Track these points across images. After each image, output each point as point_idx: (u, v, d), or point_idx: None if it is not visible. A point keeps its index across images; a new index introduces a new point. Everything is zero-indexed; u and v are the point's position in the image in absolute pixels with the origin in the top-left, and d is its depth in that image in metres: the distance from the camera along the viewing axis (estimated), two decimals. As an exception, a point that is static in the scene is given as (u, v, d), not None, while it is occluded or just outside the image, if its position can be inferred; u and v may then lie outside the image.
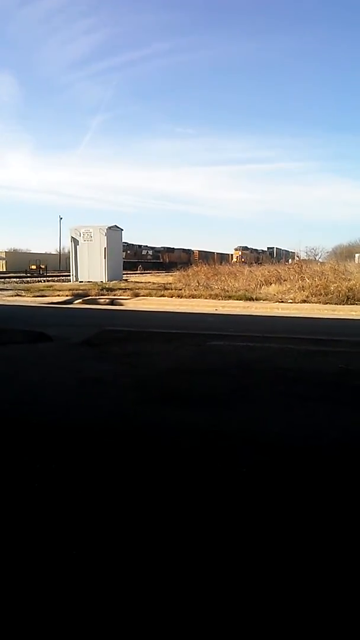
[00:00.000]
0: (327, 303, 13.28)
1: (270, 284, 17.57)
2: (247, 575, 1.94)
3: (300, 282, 16.23)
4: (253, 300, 14.15)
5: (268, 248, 71.69)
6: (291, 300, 13.97)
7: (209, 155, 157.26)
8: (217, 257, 55.38)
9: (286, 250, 72.20)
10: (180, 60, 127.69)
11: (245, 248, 65.58)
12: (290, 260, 59.56)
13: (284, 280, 17.50)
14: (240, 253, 63.00)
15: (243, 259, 54.31)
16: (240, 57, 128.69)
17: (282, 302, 13.81)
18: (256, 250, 67.97)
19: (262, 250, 69.11)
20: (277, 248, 71.91)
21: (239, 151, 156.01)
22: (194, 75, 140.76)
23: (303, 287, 15.52)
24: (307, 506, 2.48)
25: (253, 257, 59.42)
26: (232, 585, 1.88)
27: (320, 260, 38.36)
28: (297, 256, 22.46)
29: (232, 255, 65.26)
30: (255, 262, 39.91)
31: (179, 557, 2.04)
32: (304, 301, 13.79)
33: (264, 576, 1.93)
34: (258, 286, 17.30)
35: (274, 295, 15.05)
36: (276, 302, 13.85)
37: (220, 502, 2.51)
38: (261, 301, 14.00)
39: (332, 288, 14.77)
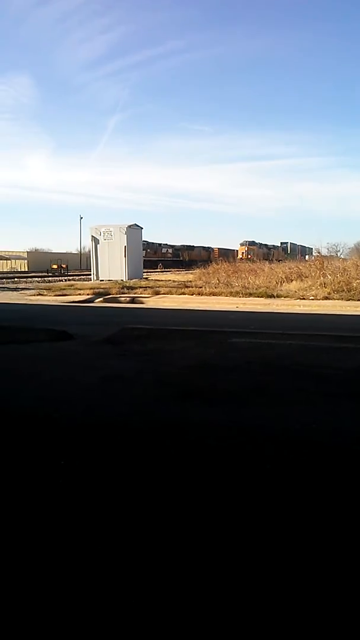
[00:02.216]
0: (349, 300, 13.11)
1: (291, 280, 17.43)
2: (270, 566, 1.92)
3: (321, 278, 16.06)
4: (274, 297, 14.06)
5: (281, 243, 67.25)
6: (313, 297, 13.82)
7: (225, 152, 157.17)
8: (237, 255, 54.00)
9: (302, 246, 67.89)
10: (196, 57, 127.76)
11: (253, 243, 58.10)
12: (307, 256, 57.53)
13: (305, 277, 17.34)
14: (246, 248, 55.61)
15: (249, 255, 48.84)
16: (255, 52, 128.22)
17: (304, 299, 13.68)
18: (266, 245, 61.68)
19: (273, 246, 63.67)
20: (291, 243, 67.93)
21: (255, 148, 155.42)
22: (210, 72, 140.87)
23: (325, 283, 15.36)
24: (332, 503, 2.45)
25: (262, 252, 53.43)
26: (251, 572, 1.87)
27: (342, 256, 37.68)
28: (318, 252, 22.20)
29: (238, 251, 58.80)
30: (266, 259, 36.85)
31: (205, 549, 2.04)
32: (326, 298, 13.64)
33: (283, 570, 1.91)
34: (279, 283, 17.18)
35: (295, 292, 14.92)
36: (297, 299, 13.72)
37: (245, 499, 2.49)
38: (282, 298, 13.89)
39: (354, 284, 14.59)
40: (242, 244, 58.15)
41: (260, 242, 60.73)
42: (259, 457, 3.03)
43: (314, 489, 2.61)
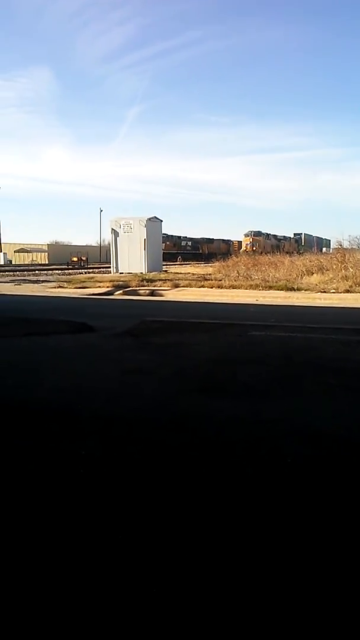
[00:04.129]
0: (371, 293, 12.92)
1: (312, 273, 17.24)
2: (295, 560, 1.93)
3: (343, 271, 15.85)
4: (294, 290, 13.92)
5: (295, 234, 62.60)
6: (334, 290, 13.66)
7: (244, 143, 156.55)
8: (240, 246, 51.48)
9: (318, 237, 64.29)
10: (214, 47, 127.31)
11: (259, 233, 51.72)
12: (324, 248, 54.93)
13: (326, 270, 17.13)
14: (250, 240, 49.43)
15: (254, 247, 44.74)
16: (273, 42, 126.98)
17: (324, 292, 13.52)
18: (275, 236, 55.54)
19: (284, 237, 58.24)
20: (306, 234, 63.69)
21: (275, 139, 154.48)
22: (228, 62, 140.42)
23: (346, 276, 15.15)
24: (352, 498, 2.43)
25: (270, 244, 47.85)
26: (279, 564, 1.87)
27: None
28: (339, 244, 21.84)
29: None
30: (274, 251, 33.71)
31: (224, 544, 2.05)
32: (347, 291, 13.46)
33: (306, 564, 1.91)
34: (299, 276, 17.01)
35: (316, 285, 14.76)
36: (318, 292, 13.57)
37: (266, 492, 2.49)
38: (302, 291, 13.75)
39: (377, 277, 14.36)
40: (246, 235, 52.08)
41: (269, 232, 54.85)
42: (279, 450, 3.02)
43: (335, 483, 2.60)
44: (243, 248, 47.45)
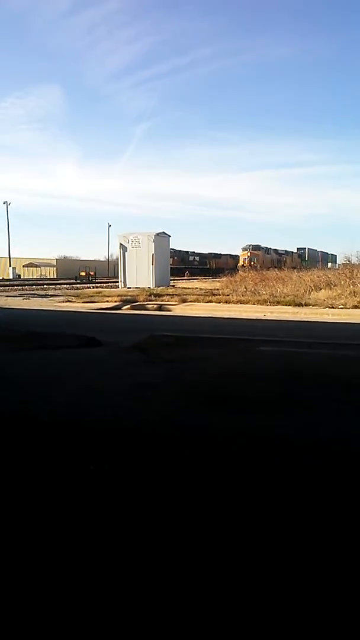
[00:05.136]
0: (380, 309, 12.88)
1: (320, 289, 17.24)
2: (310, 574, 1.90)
3: (351, 287, 15.86)
4: (302, 305, 13.92)
5: (298, 249, 59.72)
6: (342, 306, 13.63)
7: (253, 160, 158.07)
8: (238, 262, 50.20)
9: (324, 252, 63.75)
10: (223, 65, 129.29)
11: (257, 247, 48.03)
12: (329, 263, 54.21)
13: (334, 286, 17.13)
14: (248, 254, 46.11)
15: (252, 262, 41.94)
16: (283, 59, 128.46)
17: (333, 307, 13.50)
18: (275, 250, 52.44)
19: (286, 251, 55.55)
20: (309, 249, 61.53)
21: (284, 155, 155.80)
22: (237, 79, 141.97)
23: (354, 292, 15.15)
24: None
25: (270, 259, 45.57)
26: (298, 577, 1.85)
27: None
28: (348, 260, 21.85)
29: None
30: (275, 266, 32.11)
31: (241, 559, 2.03)
32: (356, 307, 13.43)
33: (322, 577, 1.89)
34: (307, 292, 17.01)
35: (324, 300, 14.75)
36: (326, 307, 13.56)
37: (277, 509, 2.46)
38: (310, 307, 13.74)
39: (385, 293, 14.33)
40: (244, 249, 48.47)
41: (269, 246, 51.15)
42: (289, 466, 2.99)
43: (349, 498, 2.57)
44: (240, 263, 44.97)
